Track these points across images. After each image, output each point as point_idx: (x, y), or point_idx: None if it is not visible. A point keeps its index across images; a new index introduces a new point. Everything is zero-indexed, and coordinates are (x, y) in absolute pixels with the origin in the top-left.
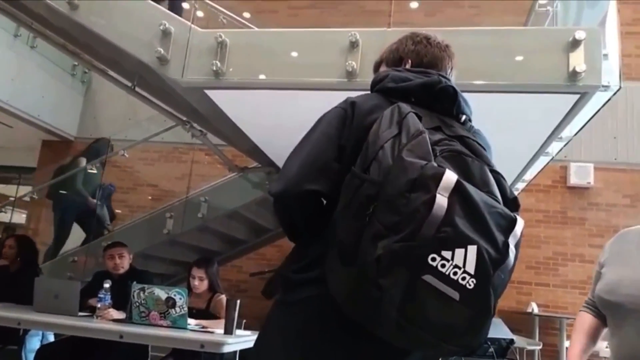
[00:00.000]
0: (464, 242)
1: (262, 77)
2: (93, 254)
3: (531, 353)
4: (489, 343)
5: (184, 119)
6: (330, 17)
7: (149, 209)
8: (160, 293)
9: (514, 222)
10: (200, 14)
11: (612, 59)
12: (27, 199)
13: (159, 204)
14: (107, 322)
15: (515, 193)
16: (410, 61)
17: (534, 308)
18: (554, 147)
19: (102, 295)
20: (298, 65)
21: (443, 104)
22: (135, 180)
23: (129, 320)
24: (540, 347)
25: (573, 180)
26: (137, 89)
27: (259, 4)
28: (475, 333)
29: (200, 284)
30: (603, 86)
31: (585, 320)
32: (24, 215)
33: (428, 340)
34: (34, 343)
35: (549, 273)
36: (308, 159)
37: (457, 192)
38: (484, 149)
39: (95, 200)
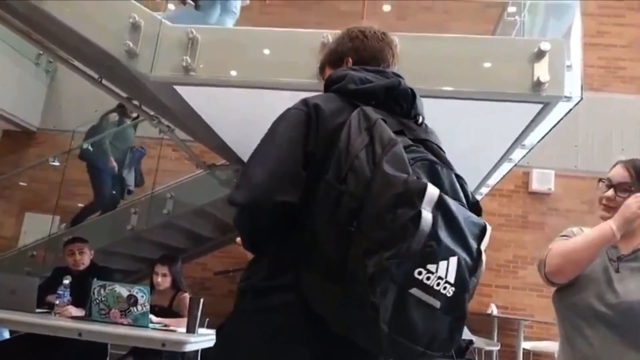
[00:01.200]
0: (447, 255)
1: (233, 73)
2: (53, 248)
3: (489, 353)
4: None
5: (152, 113)
6: (304, 17)
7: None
8: (122, 290)
9: (484, 229)
10: (171, 6)
11: (575, 70)
12: None
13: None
14: (65, 320)
15: (479, 197)
16: (350, 59)
17: (494, 309)
18: (517, 154)
19: (61, 292)
20: (269, 64)
21: (402, 106)
22: None
23: (88, 317)
24: (498, 347)
25: (534, 186)
26: (103, 81)
27: None
28: (454, 337)
29: (163, 280)
30: (565, 97)
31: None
32: None
33: (416, 351)
34: None
35: (509, 275)
36: (277, 168)
37: (440, 205)
38: (443, 151)
39: (114, 164)
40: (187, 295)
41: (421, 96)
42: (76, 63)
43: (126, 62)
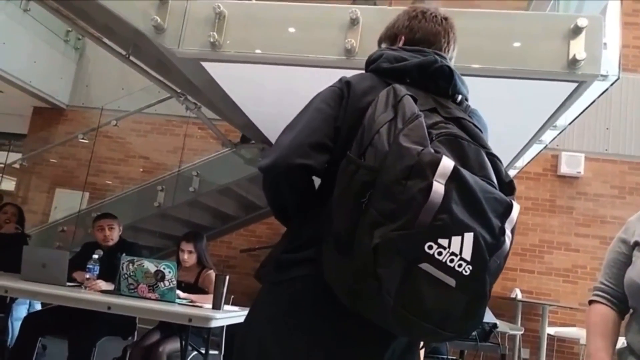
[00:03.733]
0: (461, 230)
1: (260, 50)
2: (82, 224)
3: (513, 337)
4: None
5: (179, 91)
6: None
7: (140, 181)
8: (150, 266)
9: (510, 207)
10: None
11: (611, 49)
12: (16, 166)
13: (151, 177)
14: (95, 293)
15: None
16: (403, 38)
17: (518, 294)
18: (548, 136)
19: (91, 266)
20: (296, 40)
21: (439, 84)
22: (126, 152)
23: (117, 292)
24: (522, 332)
25: (563, 169)
26: (131, 57)
27: None
28: (471, 318)
29: (189, 257)
30: (602, 75)
31: (603, 316)
32: (13, 183)
33: (425, 327)
34: (20, 311)
35: (535, 260)
36: (300, 134)
37: (454, 178)
38: (480, 131)
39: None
40: (212, 272)
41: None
42: (104, 40)
43: (153, 37)
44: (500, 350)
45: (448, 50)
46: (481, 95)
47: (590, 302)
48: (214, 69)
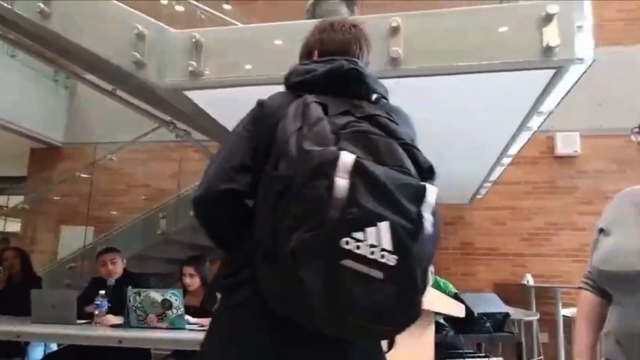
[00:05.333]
0: (373, 220)
1: (240, 72)
2: (89, 259)
3: (529, 324)
4: (485, 318)
5: (168, 119)
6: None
7: (144, 210)
8: (156, 295)
9: (423, 190)
10: (180, 8)
11: (585, 30)
12: (22, 207)
13: (153, 204)
14: (105, 329)
15: (501, 168)
16: (316, 51)
17: (529, 279)
18: (535, 122)
19: (99, 302)
20: (277, 59)
21: (351, 87)
22: (127, 182)
23: (127, 324)
24: (537, 317)
25: (560, 150)
26: (118, 92)
27: None
28: (406, 309)
29: (191, 281)
30: (578, 59)
31: (589, 303)
32: (19, 224)
33: (361, 325)
34: (37, 353)
35: (542, 243)
36: (222, 161)
37: (359, 172)
38: (397, 124)
39: None
40: (217, 294)
41: (431, 74)
42: (89, 76)
43: (135, 72)
44: (515, 338)
45: (362, 56)
46: (465, 91)
47: (579, 288)
48: (198, 96)
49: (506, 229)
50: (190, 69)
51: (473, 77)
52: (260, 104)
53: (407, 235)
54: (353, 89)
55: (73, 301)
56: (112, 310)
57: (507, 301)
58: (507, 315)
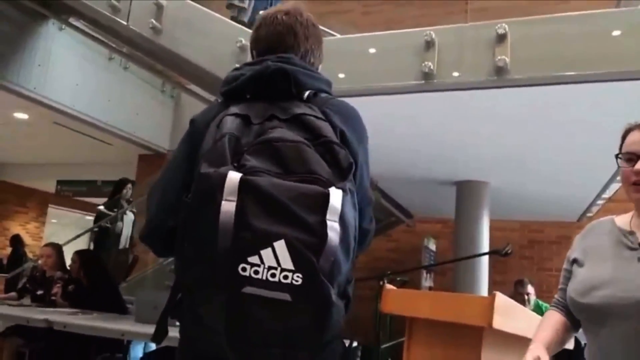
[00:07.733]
0: (267, 240)
1: (341, 77)
2: None
3: None
4: None
5: None
6: (404, 13)
7: None
8: None
9: (326, 196)
10: None
11: None
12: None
13: None
14: None
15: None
16: (254, 52)
17: None
18: None
19: None
20: (373, 70)
21: (279, 87)
22: None
23: None
24: None
25: None
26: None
27: (332, 4)
28: (323, 328)
29: None
30: None
31: (553, 315)
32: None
33: (276, 353)
34: (137, 351)
35: None
36: (162, 197)
37: (246, 189)
38: (327, 121)
39: None
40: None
41: (543, 84)
42: (193, 87)
43: None
44: None
45: (299, 45)
46: (583, 102)
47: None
48: None
49: None
50: None
51: (587, 86)
52: (192, 121)
53: (308, 250)
54: (283, 89)
55: None
56: None
57: None
58: None
